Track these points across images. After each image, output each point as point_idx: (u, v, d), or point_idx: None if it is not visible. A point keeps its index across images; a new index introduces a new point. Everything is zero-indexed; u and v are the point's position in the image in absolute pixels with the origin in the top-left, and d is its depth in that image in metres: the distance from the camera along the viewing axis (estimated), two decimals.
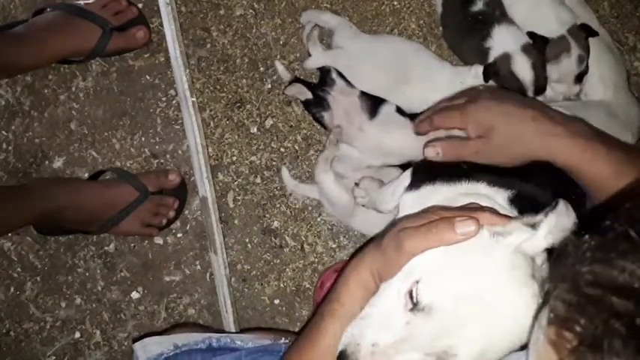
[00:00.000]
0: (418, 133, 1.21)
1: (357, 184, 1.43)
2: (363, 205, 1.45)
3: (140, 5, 1.62)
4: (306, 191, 1.57)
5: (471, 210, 0.83)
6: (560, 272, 0.55)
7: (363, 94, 1.49)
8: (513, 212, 0.91)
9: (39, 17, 1.56)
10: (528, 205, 0.92)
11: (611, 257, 0.50)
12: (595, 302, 0.49)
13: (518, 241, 0.76)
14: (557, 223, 0.75)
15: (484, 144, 1.06)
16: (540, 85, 1.41)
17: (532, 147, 1.03)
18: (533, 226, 0.76)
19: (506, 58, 1.41)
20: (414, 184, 1.09)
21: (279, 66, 1.59)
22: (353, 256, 1.51)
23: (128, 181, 1.53)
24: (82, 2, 1.58)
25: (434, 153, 1.11)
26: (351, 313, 0.83)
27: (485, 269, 0.76)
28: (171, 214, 1.56)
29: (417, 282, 0.77)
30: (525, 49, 1.41)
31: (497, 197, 0.95)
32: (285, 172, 1.57)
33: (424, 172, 1.11)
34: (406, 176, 1.17)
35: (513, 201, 0.95)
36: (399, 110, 1.47)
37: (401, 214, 1.02)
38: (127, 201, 1.51)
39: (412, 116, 1.46)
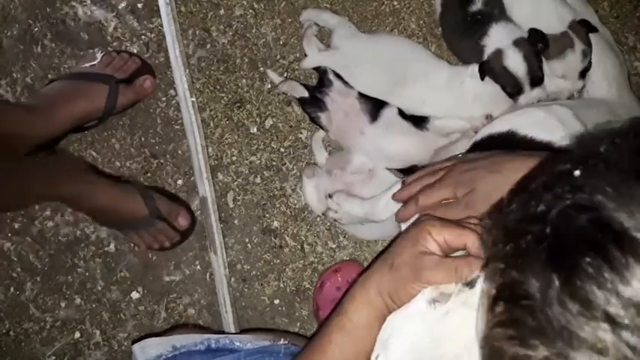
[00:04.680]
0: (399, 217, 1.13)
1: (330, 196, 1.44)
2: (335, 220, 1.46)
3: (140, 5, 1.62)
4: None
5: (462, 225, 0.83)
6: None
7: (362, 95, 1.49)
8: None
9: (46, 88, 1.55)
10: None
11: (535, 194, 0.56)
12: (515, 231, 0.56)
13: (456, 304, 0.75)
14: None
15: (471, 197, 1.01)
16: (535, 77, 1.41)
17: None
18: (470, 284, 0.75)
19: (498, 54, 1.42)
20: None
21: (272, 73, 1.59)
22: (355, 258, 1.55)
23: (145, 199, 1.52)
24: (86, 65, 1.59)
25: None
26: (357, 327, 0.85)
27: (429, 344, 0.76)
28: (167, 244, 1.56)
29: (377, 357, 0.79)
30: (517, 42, 1.41)
31: None
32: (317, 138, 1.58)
33: None
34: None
35: None
36: (401, 114, 1.47)
37: (403, 226, 1.03)
38: (134, 216, 1.51)
39: (414, 120, 1.46)
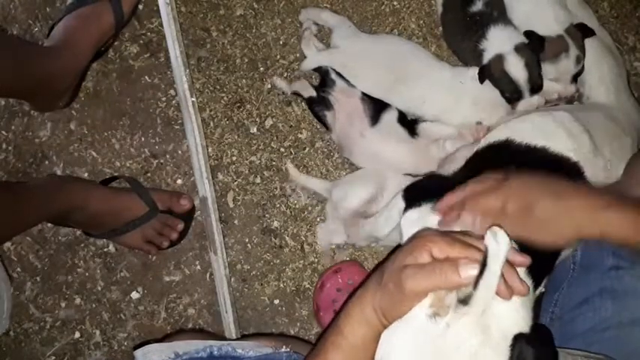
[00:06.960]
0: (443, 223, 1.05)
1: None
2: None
3: (140, 5, 1.62)
4: (313, 185, 1.57)
5: (468, 243, 0.82)
6: None
7: (365, 96, 1.49)
8: None
9: (53, 32, 1.51)
10: None
11: None
12: None
13: (457, 316, 0.76)
14: (490, 283, 0.74)
15: (525, 218, 0.98)
16: (535, 85, 1.41)
17: (579, 222, 0.96)
18: (464, 301, 0.76)
19: (499, 59, 1.41)
20: (414, 203, 1.09)
21: (278, 81, 1.59)
22: (355, 259, 1.55)
23: (139, 194, 1.51)
24: None
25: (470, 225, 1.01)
26: (353, 346, 0.85)
27: (432, 357, 0.76)
28: (174, 236, 1.55)
29: None
30: (518, 49, 1.41)
31: None
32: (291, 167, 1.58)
33: (421, 190, 1.13)
34: (398, 200, 1.18)
35: None
36: (400, 120, 1.47)
37: (404, 235, 1.03)
38: (134, 214, 1.50)
39: (410, 128, 1.46)
